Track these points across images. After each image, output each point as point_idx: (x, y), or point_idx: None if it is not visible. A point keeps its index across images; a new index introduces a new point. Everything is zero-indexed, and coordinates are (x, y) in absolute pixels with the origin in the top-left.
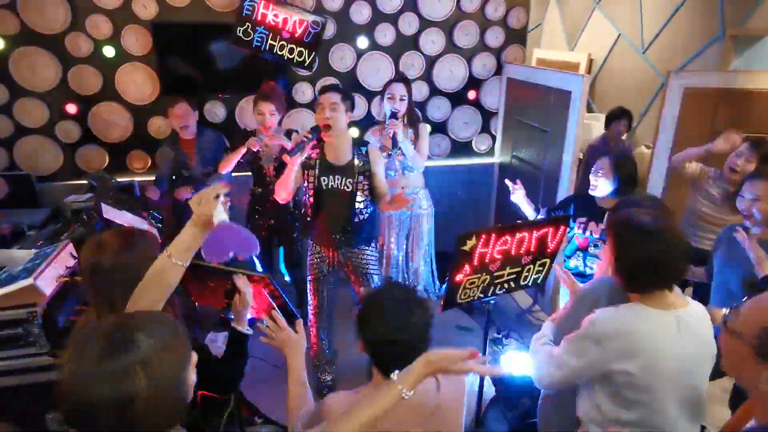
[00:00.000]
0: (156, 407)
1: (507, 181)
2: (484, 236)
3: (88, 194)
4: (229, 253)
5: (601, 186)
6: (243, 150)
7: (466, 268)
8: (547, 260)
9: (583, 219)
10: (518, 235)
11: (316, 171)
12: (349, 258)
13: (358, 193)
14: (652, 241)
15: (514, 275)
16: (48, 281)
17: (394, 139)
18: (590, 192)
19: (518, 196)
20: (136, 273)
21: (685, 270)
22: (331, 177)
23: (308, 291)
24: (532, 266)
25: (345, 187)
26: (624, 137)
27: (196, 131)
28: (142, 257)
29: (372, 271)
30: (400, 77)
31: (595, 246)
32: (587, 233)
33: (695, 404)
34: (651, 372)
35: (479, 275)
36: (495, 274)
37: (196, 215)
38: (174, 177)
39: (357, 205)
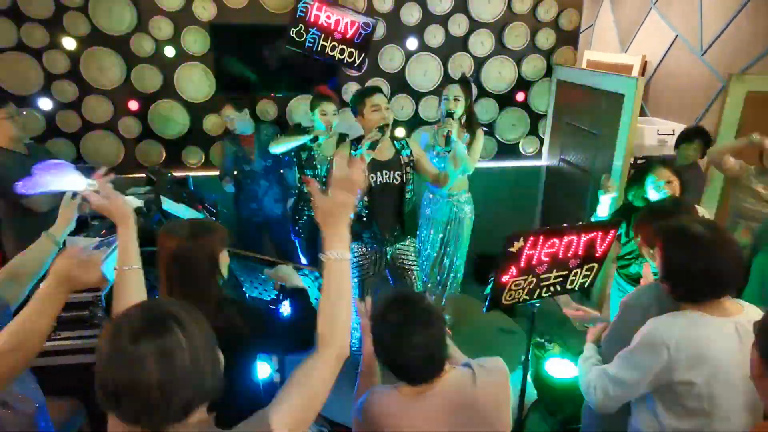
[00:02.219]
0: (192, 381)
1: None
2: (532, 238)
3: (146, 187)
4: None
5: (663, 195)
6: (307, 137)
7: (513, 269)
8: (595, 265)
9: None
10: (566, 239)
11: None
12: (396, 255)
13: (407, 184)
14: (708, 251)
15: (561, 279)
16: (111, 268)
17: (447, 138)
18: (655, 196)
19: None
20: (208, 259)
21: (741, 277)
22: (379, 173)
23: (355, 290)
24: (579, 270)
25: (394, 181)
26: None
27: (252, 128)
28: (215, 245)
29: (414, 268)
30: (459, 78)
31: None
32: None
33: (759, 410)
34: (715, 381)
35: (525, 277)
36: (541, 276)
37: (116, 217)
38: (235, 171)
39: (406, 195)
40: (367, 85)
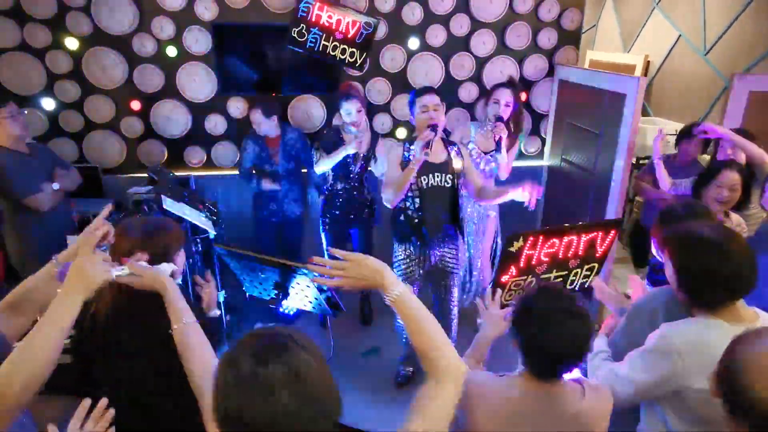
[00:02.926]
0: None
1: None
2: (531, 238)
3: (148, 186)
4: None
5: (731, 203)
6: (345, 151)
7: (512, 269)
8: (596, 265)
9: None
10: (566, 239)
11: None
12: (440, 257)
13: (459, 188)
14: (721, 255)
15: (561, 279)
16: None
17: (498, 143)
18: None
19: None
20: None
21: (755, 281)
22: (431, 175)
23: None
24: (579, 270)
25: (445, 184)
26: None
27: (278, 131)
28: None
29: (454, 271)
30: (507, 82)
31: None
32: None
33: None
34: None
35: (525, 277)
36: (541, 276)
37: (156, 285)
38: (253, 171)
39: (460, 199)
40: (370, 83)
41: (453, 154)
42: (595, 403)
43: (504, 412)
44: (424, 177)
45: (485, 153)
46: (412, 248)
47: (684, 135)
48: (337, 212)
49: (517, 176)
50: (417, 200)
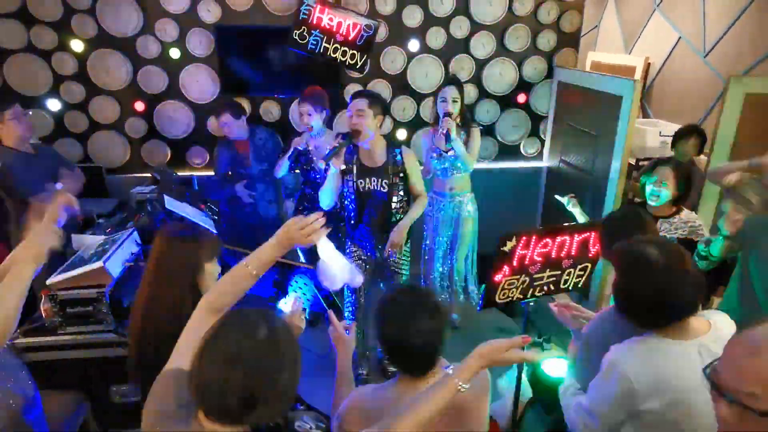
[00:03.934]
0: None
1: (558, 197)
2: (524, 238)
3: (151, 186)
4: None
5: (664, 196)
6: (290, 150)
7: (505, 268)
8: (589, 265)
9: None
10: (559, 239)
11: (354, 174)
12: (386, 257)
13: (393, 194)
14: (664, 278)
15: (554, 278)
16: (115, 265)
17: (447, 136)
18: (650, 203)
19: (575, 211)
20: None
21: (697, 304)
22: (367, 179)
23: (347, 289)
24: (572, 270)
25: (381, 188)
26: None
27: (247, 133)
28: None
29: (403, 271)
30: (452, 80)
31: None
32: None
33: None
34: (679, 408)
35: (518, 276)
36: (534, 276)
37: (287, 238)
38: (230, 173)
39: (393, 205)
40: (369, 86)
41: (394, 158)
42: (476, 392)
43: (381, 415)
44: (360, 180)
45: (445, 152)
46: (357, 245)
47: (680, 136)
48: (305, 215)
49: (517, 177)
50: (353, 203)
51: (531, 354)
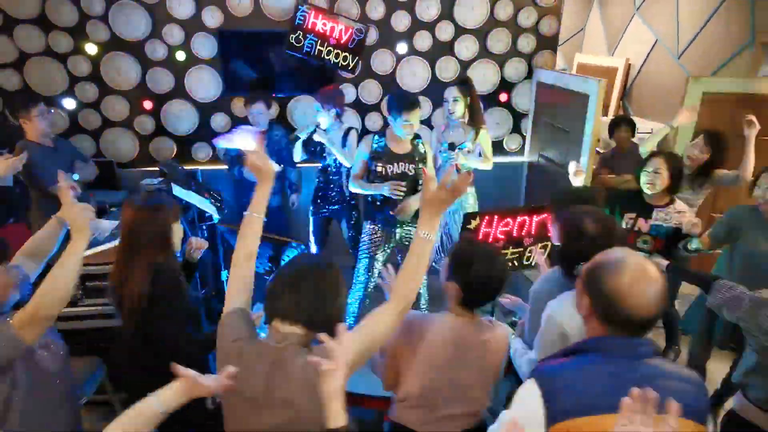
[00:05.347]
0: None
1: (572, 164)
2: (487, 217)
3: (159, 178)
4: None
5: (658, 184)
6: (297, 139)
7: None
8: (549, 243)
9: (632, 215)
10: (519, 219)
11: (383, 160)
12: (403, 236)
13: (418, 177)
14: (592, 240)
15: (518, 254)
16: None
17: (452, 146)
18: (647, 191)
19: (576, 180)
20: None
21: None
22: (396, 164)
23: (361, 267)
24: (534, 248)
25: (408, 171)
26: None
27: (267, 126)
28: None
29: None
30: (457, 80)
31: (644, 242)
32: (636, 228)
33: None
34: None
35: None
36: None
37: (254, 169)
38: (239, 159)
39: (419, 186)
40: (362, 85)
41: (417, 144)
42: (498, 333)
43: (440, 339)
44: (389, 165)
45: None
46: (377, 226)
47: (614, 125)
48: (320, 202)
49: (501, 171)
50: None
51: (459, 178)
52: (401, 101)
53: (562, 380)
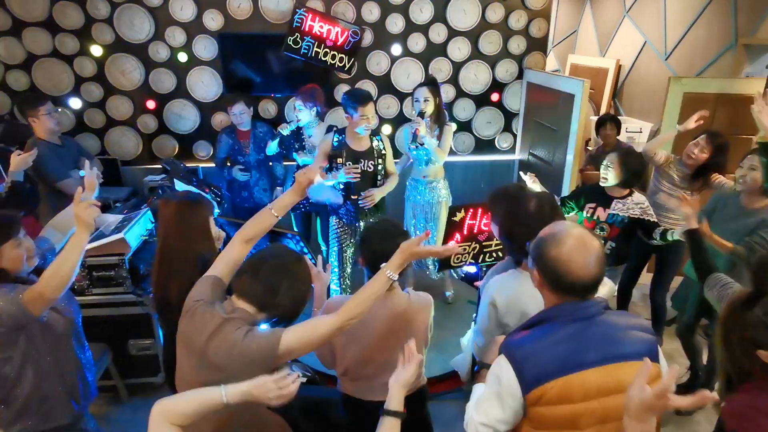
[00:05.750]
0: None
1: (521, 173)
2: (471, 210)
3: (162, 175)
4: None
5: (611, 178)
6: (275, 140)
7: (457, 236)
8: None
9: (592, 205)
10: None
11: (344, 157)
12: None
13: (377, 172)
14: (520, 218)
15: (501, 246)
16: (133, 237)
17: (415, 135)
18: (601, 183)
19: (535, 187)
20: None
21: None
22: (356, 161)
23: (335, 259)
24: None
25: (368, 168)
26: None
27: (250, 125)
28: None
29: None
30: (426, 81)
31: (601, 229)
32: (595, 217)
33: None
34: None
35: (469, 243)
36: (483, 243)
37: (297, 184)
38: (229, 161)
39: (378, 181)
40: (358, 86)
41: (376, 142)
42: (414, 301)
43: (366, 316)
44: (349, 162)
45: (420, 144)
46: (342, 220)
47: (600, 124)
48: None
49: (491, 168)
50: (343, 183)
51: (436, 248)
52: (356, 97)
53: (529, 350)
